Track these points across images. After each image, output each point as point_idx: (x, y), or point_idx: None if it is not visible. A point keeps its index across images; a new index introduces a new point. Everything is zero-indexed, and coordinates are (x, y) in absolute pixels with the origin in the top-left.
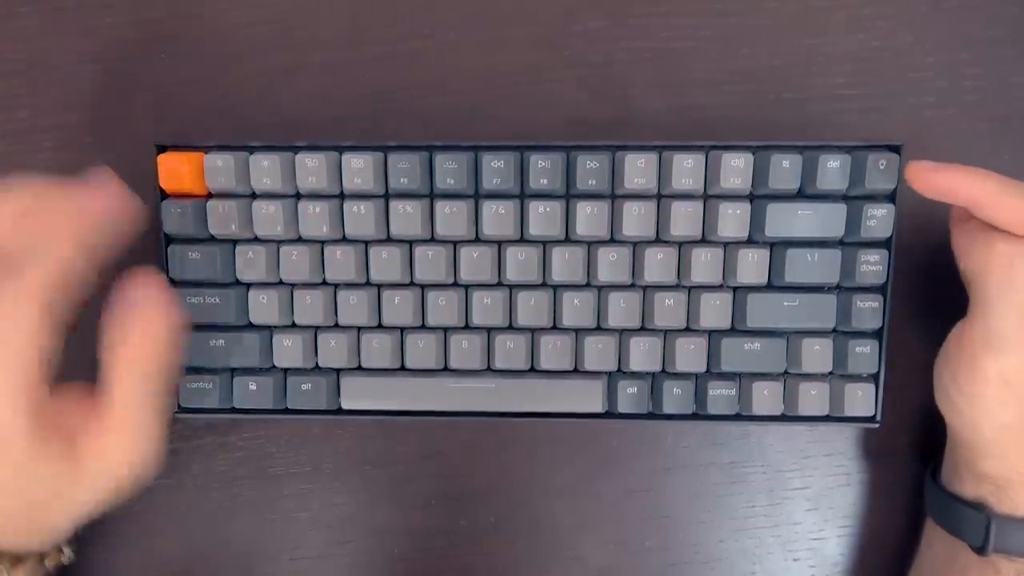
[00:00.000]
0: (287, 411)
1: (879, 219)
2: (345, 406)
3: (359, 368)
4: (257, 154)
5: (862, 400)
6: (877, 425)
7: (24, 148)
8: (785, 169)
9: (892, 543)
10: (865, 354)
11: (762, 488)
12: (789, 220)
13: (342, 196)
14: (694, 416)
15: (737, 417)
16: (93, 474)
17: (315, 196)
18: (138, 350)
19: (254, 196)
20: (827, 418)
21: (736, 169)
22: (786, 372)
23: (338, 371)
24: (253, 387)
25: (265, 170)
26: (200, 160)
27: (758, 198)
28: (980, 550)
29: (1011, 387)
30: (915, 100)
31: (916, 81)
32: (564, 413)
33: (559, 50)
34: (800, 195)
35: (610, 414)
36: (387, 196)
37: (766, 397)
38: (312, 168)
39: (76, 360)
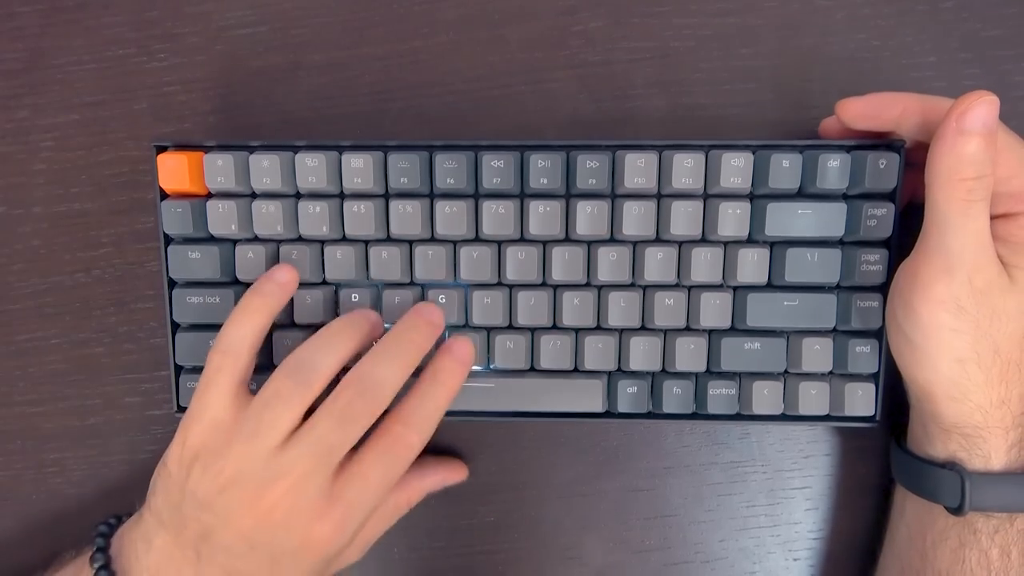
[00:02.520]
0: None
1: (879, 219)
2: None
3: None
4: (257, 154)
5: (862, 400)
6: (876, 425)
7: (24, 148)
8: (785, 168)
9: None
10: (865, 354)
11: (762, 488)
12: (789, 219)
13: (342, 196)
14: (694, 416)
15: (737, 417)
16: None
17: (315, 196)
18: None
19: (254, 196)
20: (827, 418)
21: (736, 168)
22: (786, 372)
23: None
24: (253, 386)
25: (265, 170)
26: (200, 160)
27: (758, 198)
28: (957, 510)
29: (964, 312)
30: None
31: (916, 81)
32: (564, 413)
33: (559, 50)
34: (800, 194)
35: (610, 414)
36: (387, 196)
37: (766, 397)
38: (312, 168)
39: None
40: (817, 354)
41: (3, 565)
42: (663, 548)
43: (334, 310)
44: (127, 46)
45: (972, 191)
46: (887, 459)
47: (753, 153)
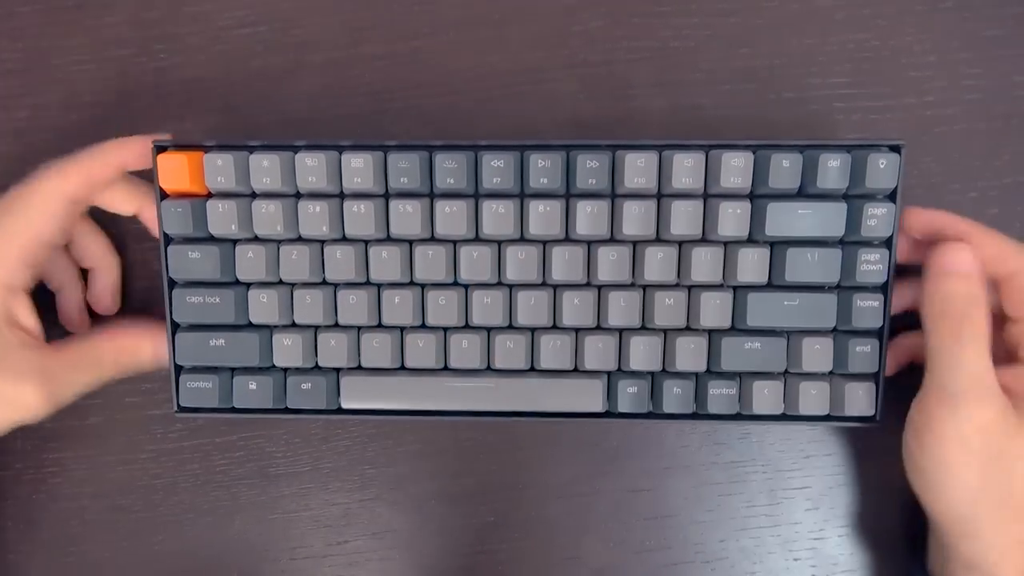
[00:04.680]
0: (287, 411)
1: (879, 218)
2: (345, 406)
3: (359, 368)
4: (257, 154)
5: (862, 399)
6: (877, 424)
7: (24, 148)
8: (785, 168)
9: (892, 543)
10: (865, 353)
11: (762, 488)
12: (789, 219)
13: (342, 196)
14: (694, 416)
15: (737, 417)
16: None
17: (315, 195)
18: (111, 351)
19: (254, 196)
20: (827, 417)
21: (736, 168)
22: (786, 372)
23: (338, 371)
24: (253, 387)
25: (265, 169)
26: (200, 160)
27: (758, 197)
28: None
29: (970, 450)
30: (915, 100)
31: (916, 81)
32: (564, 413)
33: (559, 50)
34: (800, 194)
35: (610, 414)
36: (387, 196)
37: (766, 396)
38: (312, 167)
39: None
40: (817, 354)
41: (3, 564)
42: (663, 548)
43: (334, 310)
44: (127, 46)
45: (961, 328)
46: (887, 459)
47: (753, 153)
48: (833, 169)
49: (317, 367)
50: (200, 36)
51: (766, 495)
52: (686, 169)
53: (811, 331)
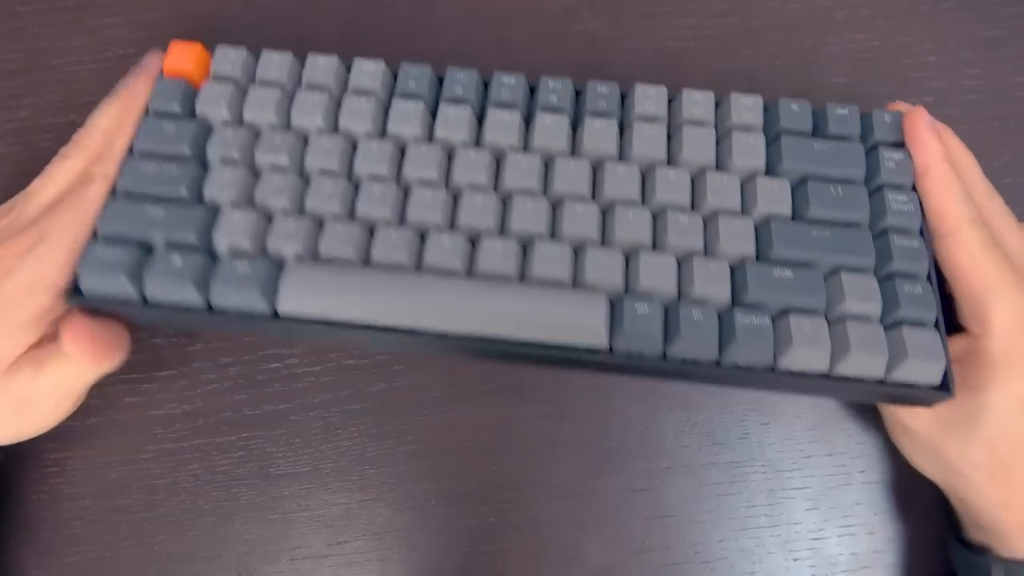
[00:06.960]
0: (210, 311)
1: (898, 162)
2: (283, 308)
3: (313, 259)
4: (269, 52)
5: (926, 354)
6: (951, 396)
7: (24, 148)
8: (795, 112)
9: (892, 542)
10: (917, 295)
11: (762, 488)
12: (807, 153)
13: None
14: (717, 366)
15: (772, 372)
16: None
17: (315, 88)
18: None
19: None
20: (882, 384)
21: (747, 107)
22: (825, 317)
23: (284, 262)
24: (178, 264)
25: (275, 64)
26: (210, 58)
27: (771, 142)
28: None
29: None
30: (915, 100)
31: (916, 81)
32: (560, 346)
33: (559, 50)
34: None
35: (614, 354)
36: (390, 100)
37: (806, 336)
38: (323, 68)
39: None
40: (860, 292)
41: (3, 564)
42: (663, 548)
43: (301, 195)
44: (127, 46)
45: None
46: (888, 458)
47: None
48: (843, 116)
49: (264, 253)
50: (200, 37)
51: (766, 495)
52: (697, 103)
53: (849, 268)
